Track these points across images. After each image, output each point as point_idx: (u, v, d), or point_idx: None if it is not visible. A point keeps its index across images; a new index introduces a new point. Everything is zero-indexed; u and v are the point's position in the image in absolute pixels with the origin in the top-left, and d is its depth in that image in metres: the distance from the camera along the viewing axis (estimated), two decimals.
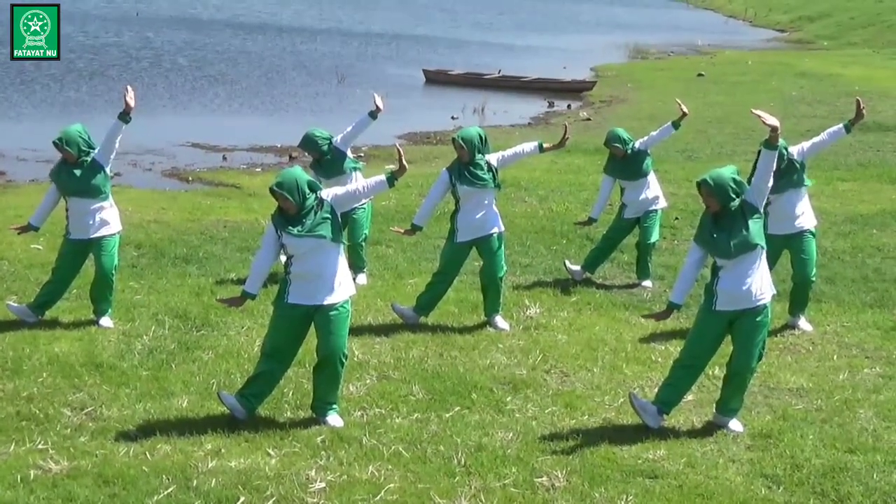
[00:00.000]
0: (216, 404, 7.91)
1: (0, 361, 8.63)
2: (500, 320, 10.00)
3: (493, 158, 9.86)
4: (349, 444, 7.30)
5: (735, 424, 7.74)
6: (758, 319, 7.53)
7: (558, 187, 16.57)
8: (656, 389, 8.47)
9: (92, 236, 9.52)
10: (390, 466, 6.97)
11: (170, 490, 6.50)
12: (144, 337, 9.35)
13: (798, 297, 10.10)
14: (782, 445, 7.44)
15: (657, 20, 76.43)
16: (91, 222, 9.49)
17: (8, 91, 29.30)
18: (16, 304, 9.79)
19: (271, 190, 7.41)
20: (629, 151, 11.35)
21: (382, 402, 7.96)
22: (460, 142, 9.76)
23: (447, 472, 6.93)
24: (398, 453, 7.18)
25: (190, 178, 18.94)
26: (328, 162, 11.17)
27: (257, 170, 19.88)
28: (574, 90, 33.87)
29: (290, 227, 7.39)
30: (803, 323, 10.12)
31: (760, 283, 7.50)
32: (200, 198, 16.54)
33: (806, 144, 9.96)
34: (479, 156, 9.73)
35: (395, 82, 34.85)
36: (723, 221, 7.42)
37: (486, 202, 9.77)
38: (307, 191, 7.41)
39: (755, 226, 7.41)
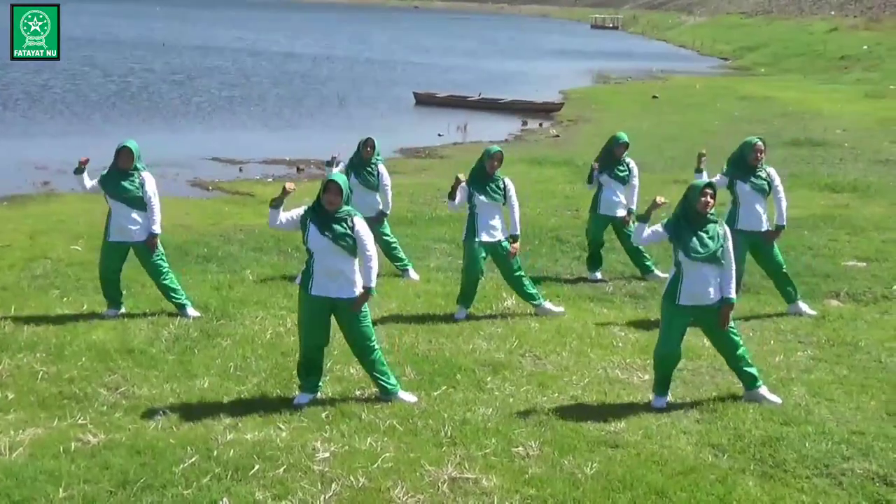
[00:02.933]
0: (234, 384, 7.89)
1: (44, 348, 8.60)
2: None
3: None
4: (350, 419, 7.29)
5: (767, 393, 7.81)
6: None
7: (531, 195, 16.55)
8: (618, 371, 8.52)
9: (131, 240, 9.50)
10: (386, 438, 6.96)
11: (193, 459, 6.48)
12: (171, 326, 9.32)
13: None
14: (727, 418, 7.45)
15: (617, 49, 76.56)
16: (130, 228, 9.43)
17: (50, 109, 29.22)
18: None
19: (328, 180, 7.30)
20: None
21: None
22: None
23: (436, 443, 6.92)
24: (393, 427, 7.17)
25: (210, 188, 18.90)
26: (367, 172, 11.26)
27: (269, 180, 19.84)
28: (545, 111, 33.90)
29: (319, 224, 7.31)
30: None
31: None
32: (220, 205, 16.51)
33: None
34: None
35: (390, 103, 34.84)
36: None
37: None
38: (348, 198, 7.36)
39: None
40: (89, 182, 9.54)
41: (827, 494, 6.33)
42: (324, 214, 7.33)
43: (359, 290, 7.44)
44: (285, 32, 78.15)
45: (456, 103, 34.81)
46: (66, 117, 28.19)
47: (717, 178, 9.99)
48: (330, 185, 7.29)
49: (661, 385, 7.77)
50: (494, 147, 9.97)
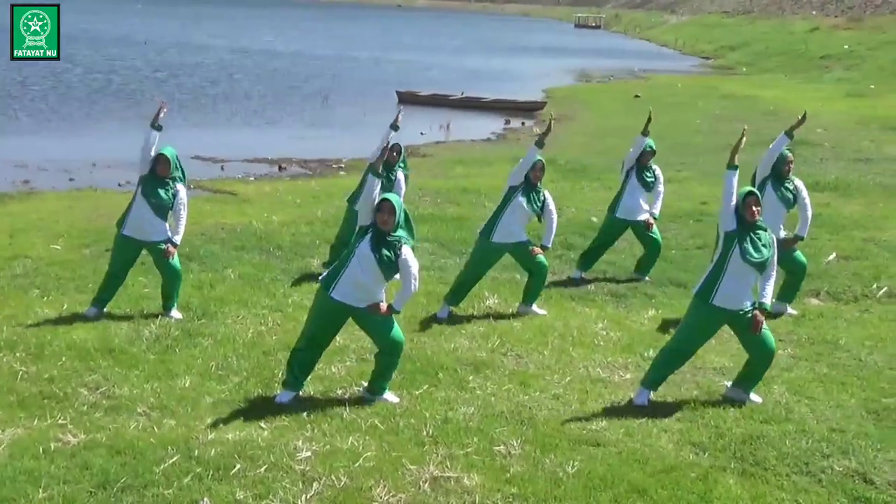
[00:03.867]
0: (215, 384, 7.87)
1: (24, 347, 8.55)
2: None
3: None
4: (332, 418, 7.28)
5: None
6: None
7: None
8: (599, 369, 8.54)
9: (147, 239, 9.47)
10: (368, 437, 6.96)
11: (174, 459, 6.46)
12: (152, 325, 9.28)
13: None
14: (707, 417, 7.48)
15: (600, 48, 76.73)
16: (145, 228, 9.39)
17: (29, 107, 29.07)
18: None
19: (382, 199, 7.22)
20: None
21: (361, 382, 7.94)
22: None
23: (417, 442, 6.92)
24: (374, 426, 7.16)
25: (191, 186, 18.79)
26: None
27: (251, 179, 19.79)
28: (528, 109, 33.94)
29: (374, 238, 7.23)
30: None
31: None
32: (201, 203, 16.44)
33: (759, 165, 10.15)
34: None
35: (372, 102, 34.79)
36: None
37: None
38: (401, 222, 7.28)
39: None
40: (154, 149, 9.37)
41: (807, 492, 6.37)
42: (379, 232, 7.27)
43: (382, 303, 7.40)
44: (267, 30, 77.91)
45: (439, 102, 34.81)
46: (45, 114, 28.01)
47: (759, 169, 10.04)
48: (383, 205, 7.23)
49: (655, 380, 7.77)
50: (537, 156, 9.87)
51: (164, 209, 9.35)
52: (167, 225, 9.46)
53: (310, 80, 41.99)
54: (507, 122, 31.22)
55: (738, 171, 7.62)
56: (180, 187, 9.43)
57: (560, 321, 9.89)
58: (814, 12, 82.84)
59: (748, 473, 6.61)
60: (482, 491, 6.25)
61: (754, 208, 7.45)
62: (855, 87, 39.46)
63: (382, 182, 10.69)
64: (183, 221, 9.45)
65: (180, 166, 9.52)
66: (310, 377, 7.82)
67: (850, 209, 15.73)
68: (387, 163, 11.12)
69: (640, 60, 62.07)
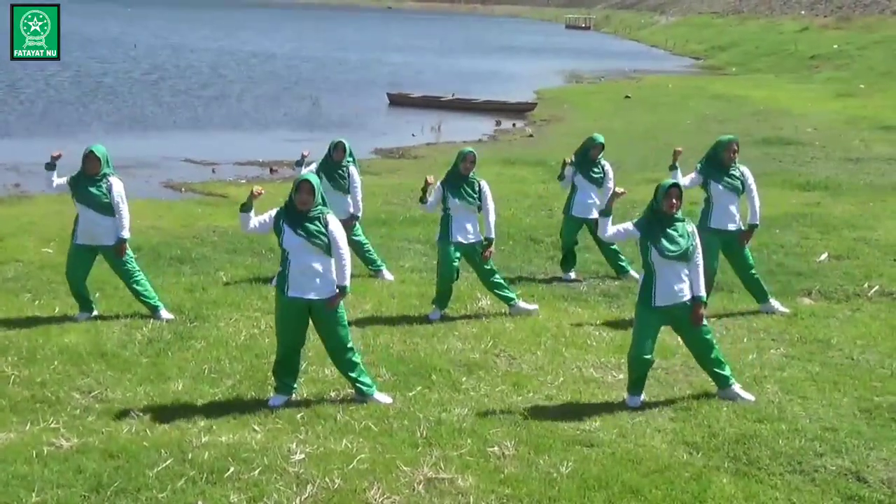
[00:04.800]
0: (208, 387, 7.86)
1: (16, 351, 8.53)
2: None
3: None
4: (325, 420, 7.28)
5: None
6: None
7: (505, 195, 16.56)
8: (592, 370, 8.55)
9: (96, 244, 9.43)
10: (361, 439, 6.95)
11: (168, 462, 6.45)
12: (144, 328, 9.27)
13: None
14: (701, 416, 7.49)
15: (590, 49, 76.82)
16: (96, 232, 9.37)
17: (19, 110, 29.00)
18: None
19: (300, 180, 7.30)
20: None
21: None
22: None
23: (411, 444, 6.92)
24: (368, 428, 7.16)
25: (183, 189, 18.80)
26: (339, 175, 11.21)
27: (242, 181, 19.76)
28: (518, 111, 33.97)
29: (292, 224, 7.30)
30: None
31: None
32: (192, 206, 16.43)
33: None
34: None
35: (364, 104, 34.80)
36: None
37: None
38: (321, 198, 7.37)
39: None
40: (57, 180, 9.48)
41: (800, 491, 6.38)
42: (297, 214, 7.32)
43: (334, 288, 7.43)
44: (257, 32, 77.86)
45: (430, 104, 34.83)
46: (35, 118, 27.97)
47: (691, 176, 10.02)
48: (302, 185, 7.29)
49: (636, 385, 7.80)
50: (467, 148, 9.97)
51: (103, 205, 9.27)
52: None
53: (300, 82, 41.99)
54: (498, 123, 31.24)
55: (609, 219, 7.73)
56: (114, 180, 9.35)
57: (553, 322, 9.89)
58: (803, 12, 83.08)
59: (742, 473, 6.61)
60: (476, 492, 6.25)
61: (674, 200, 7.49)
62: (844, 87, 39.55)
63: (335, 179, 10.90)
64: (125, 216, 9.35)
65: (109, 162, 9.43)
66: (302, 379, 7.82)
67: (840, 209, 15.77)
68: (335, 162, 11.21)
69: (631, 61, 62.15)
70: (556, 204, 15.24)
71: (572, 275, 11.69)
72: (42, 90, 33.78)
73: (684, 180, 9.77)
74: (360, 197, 11.29)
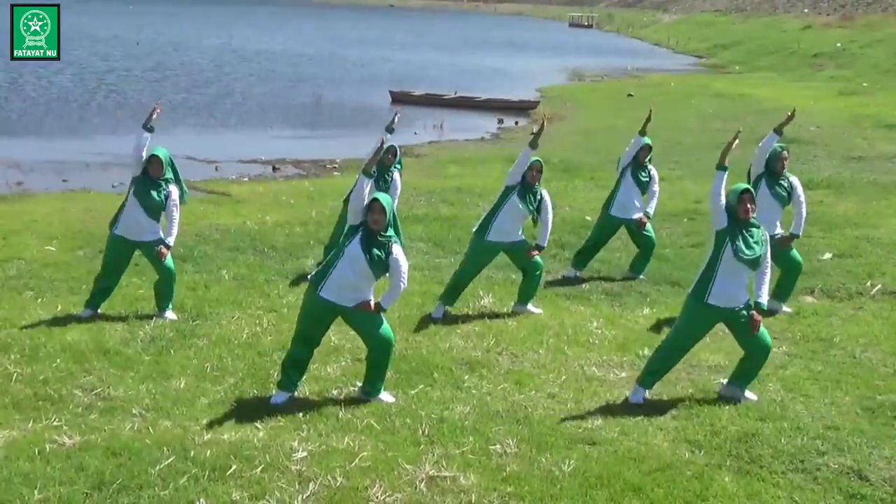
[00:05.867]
0: (210, 385, 7.87)
1: (19, 349, 8.54)
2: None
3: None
4: (327, 418, 7.28)
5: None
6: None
7: None
8: (595, 368, 8.55)
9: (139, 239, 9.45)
10: (363, 437, 6.96)
11: (170, 460, 6.46)
12: (147, 326, 9.28)
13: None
14: (703, 415, 7.49)
15: (592, 47, 76.75)
16: (137, 228, 9.38)
17: (22, 107, 29.03)
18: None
19: (372, 199, 7.26)
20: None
21: (356, 382, 7.94)
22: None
23: (413, 442, 6.93)
24: (370, 426, 7.16)
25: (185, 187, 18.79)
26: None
27: (245, 179, 19.77)
28: (521, 109, 33.95)
29: (365, 238, 7.26)
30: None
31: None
32: (195, 204, 16.39)
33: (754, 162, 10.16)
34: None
35: (366, 102, 34.79)
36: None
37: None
38: (391, 222, 7.32)
39: None
40: (146, 150, 9.35)
41: (802, 489, 6.39)
42: (370, 231, 7.29)
43: (370, 301, 7.42)
44: (260, 30, 77.87)
45: (432, 101, 34.82)
46: (37, 115, 27.98)
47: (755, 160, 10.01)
48: (374, 205, 7.26)
49: (650, 378, 7.77)
50: (534, 157, 9.84)
51: (156, 210, 9.34)
52: (159, 226, 9.45)
53: (303, 79, 41.97)
54: (501, 121, 31.23)
55: (727, 172, 7.62)
56: (173, 188, 9.41)
57: (555, 320, 9.90)
58: (806, 10, 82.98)
59: (744, 471, 6.62)
60: (478, 490, 6.25)
61: (749, 205, 7.45)
62: (847, 86, 39.51)
63: (379, 183, 10.74)
64: (176, 223, 9.44)
65: (174, 167, 9.51)
66: (305, 377, 7.82)
67: (843, 207, 15.76)
68: (382, 164, 11.10)
69: (633, 59, 62.09)
70: (559, 202, 15.23)
71: (576, 272, 11.66)
72: (44, 88, 33.80)
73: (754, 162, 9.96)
74: (396, 203, 11.27)
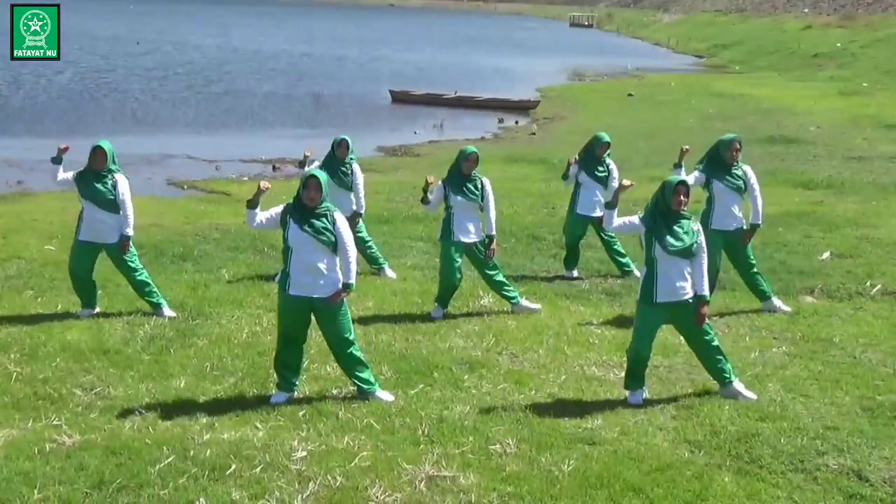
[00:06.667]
0: (210, 384, 7.87)
1: (18, 348, 8.54)
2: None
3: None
4: (327, 417, 7.28)
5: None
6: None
7: (508, 193, 16.57)
8: (594, 368, 8.55)
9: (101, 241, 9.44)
10: (363, 437, 6.96)
11: (170, 459, 6.46)
12: (146, 326, 9.27)
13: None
14: (702, 415, 7.48)
15: (592, 46, 76.74)
16: (100, 229, 9.38)
17: (22, 107, 29.02)
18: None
19: (308, 176, 7.30)
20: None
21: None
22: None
23: (413, 442, 6.92)
24: (370, 425, 7.16)
25: (185, 186, 18.81)
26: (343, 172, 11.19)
27: (245, 179, 19.78)
28: (521, 108, 33.96)
29: (299, 220, 7.29)
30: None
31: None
32: (195, 204, 16.44)
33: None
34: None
35: (366, 101, 34.79)
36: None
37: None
38: (327, 194, 7.36)
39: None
40: (62, 174, 9.48)
41: (802, 489, 6.38)
42: (304, 210, 7.32)
43: (337, 287, 7.43)
44: (260, 29, 77.86)
45: (432, 101, 34.83)
46: (37, 115, 27.99)
47: (694, 174, 9.99)
48: (310, 181, 7.29)
49: (634, 380, 7.79)
50: (470, 148, 9.93)
51: (108, 202, 9.28)
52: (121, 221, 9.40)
53: (303, 79, 41.99)
54: (501, 120, 31.24)
55: (615, 211, 7.73)
56: (119, 177, 9.35)
57: (555, 320, 9.89)
58: (806, 10, 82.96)
59: (743, 471, 6.61)
60: (478, 490, 6.25)
61: (682, 198, 7.50)
62: (847, 85, 39.52)
63: (339, 176, 10.87)
64: (130, 213, 9.35)
65: (115, 160, 9.44)
66: (304, 377, 7.82)
67: (843, 207, 15.77)
68: (338, 159, 11.16)
69: (633, 59, 62.09)
70: (559, 202, 15.25)
71: (575, 273, 11.69)
72: (45, 87, 33.80)
73: (688, 179, 9.76)
74: (362, 194, 11.29)
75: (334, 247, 7.36)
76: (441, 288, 10.05)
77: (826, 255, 12.47)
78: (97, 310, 9.66)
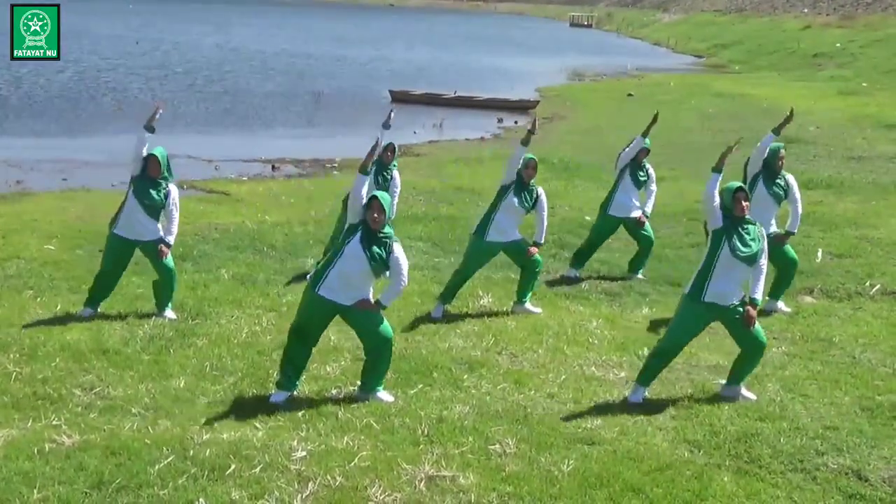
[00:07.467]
0: (210, 384, 7.87)
1: (18, 348, 8.54)
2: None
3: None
4: (327, 417, 7.28)
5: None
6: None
7: None
8: (594, 368, 8.55)
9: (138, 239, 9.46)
10: (363, 437, 6.96)
11: (169, 460, 6.46)
12: (146, 325, 9.28)
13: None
14: (702, 415, 7.49)
15: (592, 46, 76.73)
16: (138, 228, 9.38)
17: (21, 107, 29.01)
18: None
19: (371, 197, 7.26)
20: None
21: (355, 381, 7.94)
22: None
23: (412, 442, 6.93)
24: (369, 425, 7.16)
25: (185, 186, 18.74)
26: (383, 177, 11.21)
27: (244, 178, 19.75)
28: (520, 108, 33.94)
29: (365, 236, 7.26)
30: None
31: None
32: (194, 203, 16.42)
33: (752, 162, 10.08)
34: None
35: (366, 101, 34.77)
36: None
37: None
38: (390, 215, 7.38)
39: None
40: (145, 150, 9.40)
41: (801, 489, 6.39)
42: (370, 229, 7.29)
43: (369, 299, 7.43)
44: (259, 29, 77.85)
45: (432, 101, 34.81)
46: (37, 115, 27.97)
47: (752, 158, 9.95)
48: (373, 203, 7.26)
49: (647, 376, 7.77)
50: (529, 155, 9.90)
51: (156, 210, 9.35)
52: (159, 225, 9.46)
53: (303, 78, 41.95)
54: (500, 120, 31.22)
55: (721, 176, 7.64)
56: (172, 187, 9.43)
57: (554, 320, 9.90)
58: (806, 10, 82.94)
59: (743, 471, 6.62)
60: (477, 490, 6.25)
61: (743, 203, 7.47)
62: (847, 85, 39.50)
63: (378, 180, 10.76)
64: (175, 222, 9.45)
65: (169, 167, 9.50)
66: (304, 377, 7.83)
67: (842, 207, 15.77)
68: (381, 162, 11.14)
69: (633, 59, 62.06)
70: (559, 202, 15.26)
71: (576, 272, 11.68)
72: (44, 87, 33.79)
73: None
74: (396, 201, 11.31)
75: (378, 275, 7.37)
76: (451, 282, 10.06)
77: (819, 254, 12.46)
78: (98, 310, 9.65)
